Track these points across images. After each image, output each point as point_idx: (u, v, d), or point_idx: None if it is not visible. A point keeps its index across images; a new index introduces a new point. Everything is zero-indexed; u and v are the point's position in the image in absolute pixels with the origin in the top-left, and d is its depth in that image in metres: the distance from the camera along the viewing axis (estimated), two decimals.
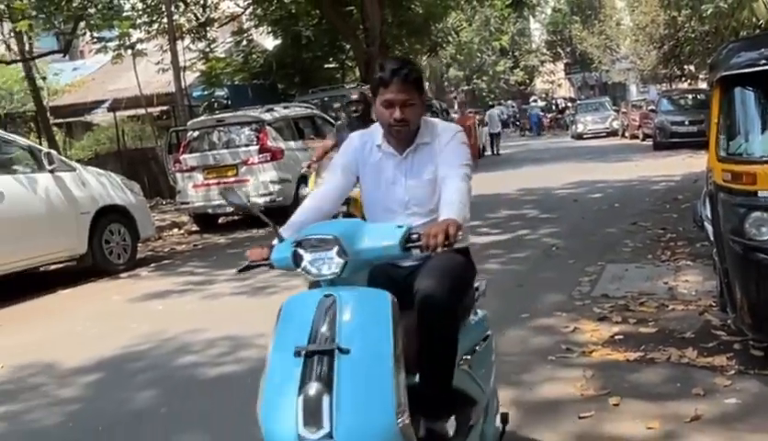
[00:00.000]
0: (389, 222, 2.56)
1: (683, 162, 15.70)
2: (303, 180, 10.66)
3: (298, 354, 2.06)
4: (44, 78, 20.55)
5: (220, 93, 20.40)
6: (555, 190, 13.21)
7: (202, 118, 14.34)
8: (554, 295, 5.85)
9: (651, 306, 5.26)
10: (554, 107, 46.87)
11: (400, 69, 2.63)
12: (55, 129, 20.71)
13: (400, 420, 2.07)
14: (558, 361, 4.34)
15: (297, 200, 10.79)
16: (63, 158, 9.64)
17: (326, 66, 22.55)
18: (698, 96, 21.53)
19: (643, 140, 24.23)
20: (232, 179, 11.63)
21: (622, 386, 3.88)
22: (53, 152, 8.92)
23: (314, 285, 2.38)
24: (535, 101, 49.66)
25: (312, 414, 2.01)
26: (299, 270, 2.26)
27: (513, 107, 47.07)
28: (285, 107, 13.41)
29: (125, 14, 17.73)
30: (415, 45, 23.71)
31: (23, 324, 6.65)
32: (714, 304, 5.04)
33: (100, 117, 24.18)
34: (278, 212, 5.17)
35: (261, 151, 11.71)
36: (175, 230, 12.47)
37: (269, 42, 23.38)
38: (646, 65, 35.38)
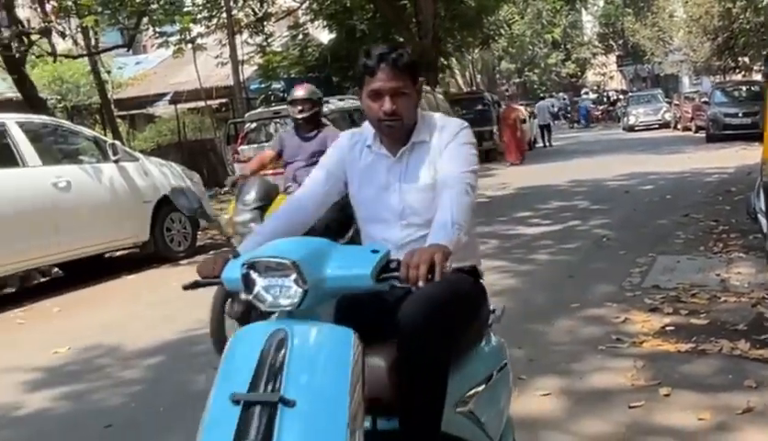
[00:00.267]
0: (369, 242, 2.24)
1: (737, 154, 15.36)
2: None
3: (236, 402, 1.65)
4: (109, 72, 21.18)
5: (276, 86, 20.58)
6: (606, 182, 13.08)
7: (259, 110, 14.52)
8: (604, 286, 5.82)
9: (703, 298, 5.18)
10: (605, 100, 46.17)
11: (388, 53, 2.23)
12: (119, 120, 21.38)
13: None
14: (608, 351, 4.31)
15: None
16: (127, 149, 9.95)
17: None
18: (752, 88, 21.07)
19: (696, 132, 23.79)
20: None
21: (673, 377, 3.82)
22: (117, 142, 9.20)
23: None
24: (586, 93, 49.08)
25: None
26: (250, 298, 1.83)
27: (564, 99, 46.49)
28: (340, 100, 13.55)
29: (186, 9, 18.24)
30: (467, 38, 23.75)
31: (89, 308, 6.86)
32: (767, 296, 4.98)
33: (162, 109, 24.76)
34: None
35: None
36: None
37: (324, 36, 23.57)
38: (699, 57, 34.72)
